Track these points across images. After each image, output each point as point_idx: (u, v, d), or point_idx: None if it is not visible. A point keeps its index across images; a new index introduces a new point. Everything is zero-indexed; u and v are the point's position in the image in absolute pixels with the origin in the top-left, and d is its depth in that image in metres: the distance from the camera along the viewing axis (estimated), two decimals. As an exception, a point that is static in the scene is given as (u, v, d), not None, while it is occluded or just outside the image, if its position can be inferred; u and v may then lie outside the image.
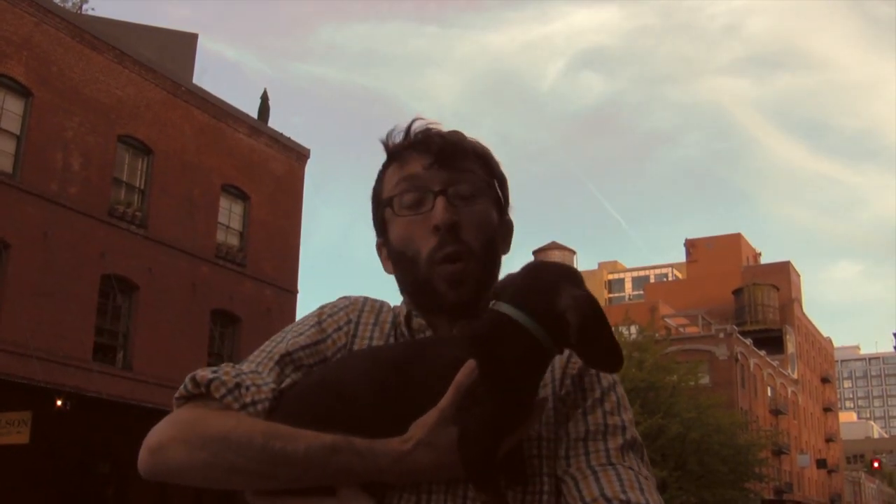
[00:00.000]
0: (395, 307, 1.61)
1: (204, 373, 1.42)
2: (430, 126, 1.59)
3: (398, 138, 1.60)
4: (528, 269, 1.39)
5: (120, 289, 20.62)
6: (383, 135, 1.61)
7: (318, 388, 1.41)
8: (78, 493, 18.59)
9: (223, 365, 1.45)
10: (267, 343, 1.53)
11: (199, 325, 22.96)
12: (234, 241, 24.81)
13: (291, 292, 26.33)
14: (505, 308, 1.34)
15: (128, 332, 21.08)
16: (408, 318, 1.57)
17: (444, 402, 1.30)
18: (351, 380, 1.39)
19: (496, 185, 1.61)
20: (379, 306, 1.61)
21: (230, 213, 24.83)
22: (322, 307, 1.60)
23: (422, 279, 1.50)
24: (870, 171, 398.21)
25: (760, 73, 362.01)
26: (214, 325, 23.55)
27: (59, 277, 19.19)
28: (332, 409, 1.36)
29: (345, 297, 1.62)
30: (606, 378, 1.52)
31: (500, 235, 1.59)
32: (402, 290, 1.59)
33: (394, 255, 1.57)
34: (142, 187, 22.13)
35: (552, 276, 1.35)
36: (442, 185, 1.51)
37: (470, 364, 1.31)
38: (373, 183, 1.65)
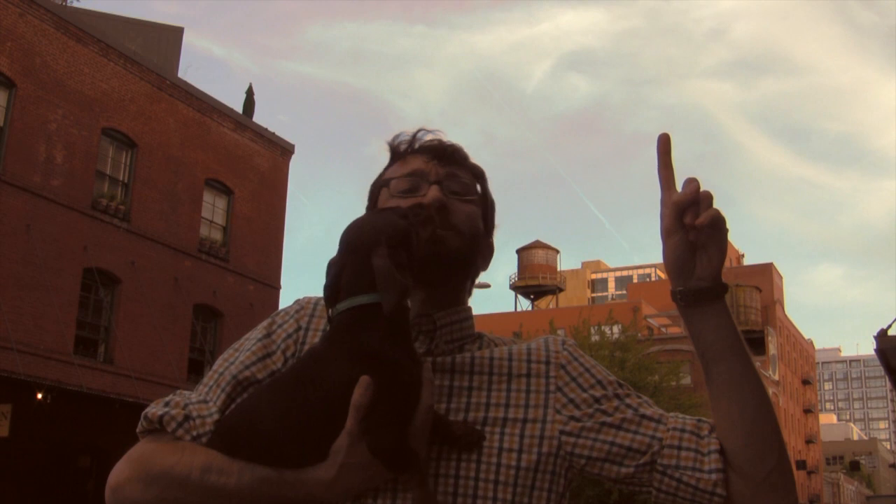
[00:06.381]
0: None
1: (154, 409, 1.48)
2: (435, 133, 1.68)
3: (404, 141, 1.68)
4: (335, 265, 1.41)
5: (102, 282, 20.54)
6: (390, 137, 1.69)
7: (237, 421, 1.44)
8: (58, 487, 18.50)
9: (175, 394, 1.51)
10: (219, 361, 1.57)
11: (182, 319, 22.90)
12: (217, 235, 24.75)
13: (274, 288, 26.28)
14: (345, 304, 1.37)
15: (109, 325, 21.00)
16: None
17: (349, 424, 1.34)
18: (259, 414, 1.41)
19: (486, 204, 1.68)
20: None
21: (214, 208, 24.76)
22: (275, 314, 1.63)
23: None
24: (852, 175, 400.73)
25: (745, 78, 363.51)
26: (196, 320, 23.49)
27: (41, 270, 19.09)
28: (250, 445, 1.39)
29: (298, 301, 1.65)
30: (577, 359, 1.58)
31: (482, 248, 1.65)
32: None
33: None
34: (125, 180, 22.04)
35: (359, 250, 1.38)
36: (437, 178, 1.58)
37: (363, 381, 1.33)
38: (372, 177, 1.70)
